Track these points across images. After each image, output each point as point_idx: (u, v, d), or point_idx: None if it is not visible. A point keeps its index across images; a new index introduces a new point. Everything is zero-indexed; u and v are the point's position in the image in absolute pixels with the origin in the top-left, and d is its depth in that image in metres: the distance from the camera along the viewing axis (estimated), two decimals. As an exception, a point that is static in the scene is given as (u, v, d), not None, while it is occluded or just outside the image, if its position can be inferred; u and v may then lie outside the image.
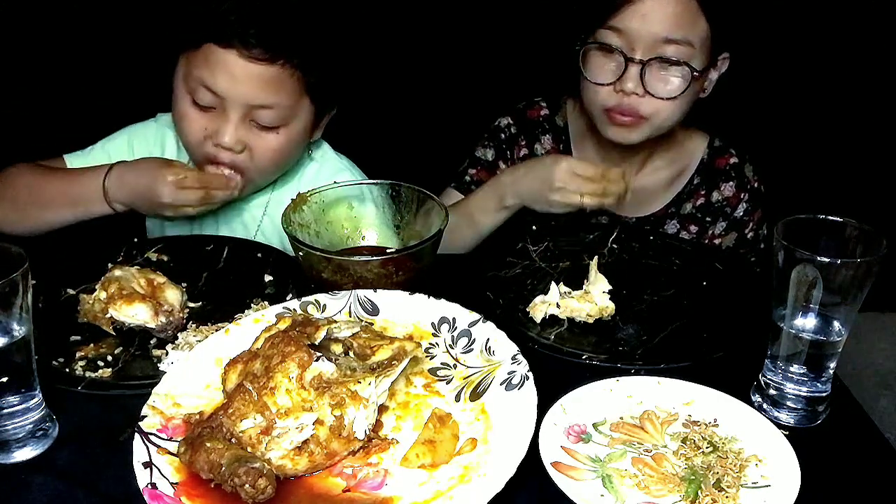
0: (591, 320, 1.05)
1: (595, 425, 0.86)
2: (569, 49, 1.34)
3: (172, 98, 1.24)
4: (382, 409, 0.85)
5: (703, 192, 1.46)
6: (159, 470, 0.76)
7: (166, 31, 1.24)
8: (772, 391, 0.90)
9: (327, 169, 1.38)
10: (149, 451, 0.78)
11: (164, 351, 0.97)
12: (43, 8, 1.90)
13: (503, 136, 1.49)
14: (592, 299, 1.05)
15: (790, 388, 0.89)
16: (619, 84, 1.27)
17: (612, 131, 1.33)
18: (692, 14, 1.24)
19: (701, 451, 0.83)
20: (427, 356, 0.93)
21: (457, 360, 0.93)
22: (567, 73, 1.38)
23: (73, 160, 1.37)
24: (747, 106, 1.86)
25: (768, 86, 2.03)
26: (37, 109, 1.93)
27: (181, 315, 1.02)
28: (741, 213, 1.45)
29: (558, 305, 1.05)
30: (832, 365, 0.88)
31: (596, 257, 1.10)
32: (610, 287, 1.06)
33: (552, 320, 1.06)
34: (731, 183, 1.45)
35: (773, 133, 2.07)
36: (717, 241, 1.45)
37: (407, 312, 0.98)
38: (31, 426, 0.83)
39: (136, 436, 0.79)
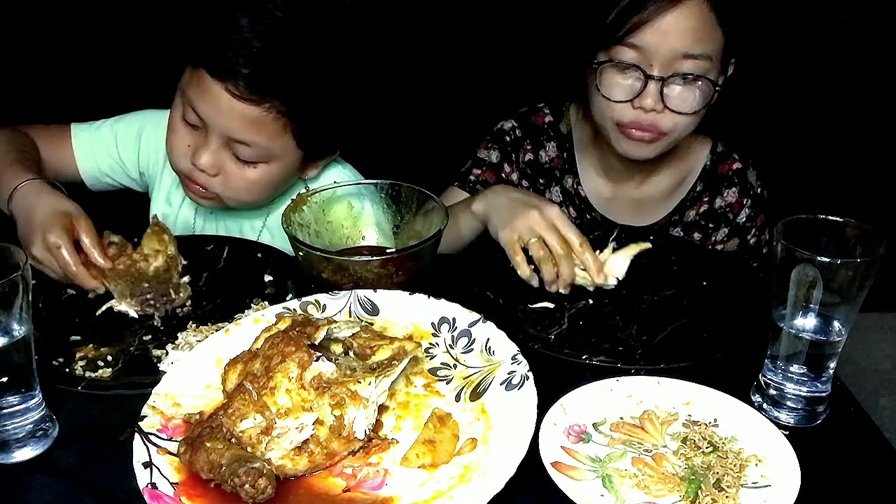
0: (586, 284, 1.10)
1: (595, 425, 0.86)
2: (578, 61, 1.31)
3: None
4: (382, 409, 0.85)
5: (706, 199, 1.43)
6: (159, 470, 0.76)
7: (179, 40, 1.23)
8: (772, 391, 0.90)
9: (327, 181, 1.36)
10: (149, 451, 0.78)
11: (164, 351, 0.97)
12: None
13: (508, 138, 1.47)
14: (605, 269, 1.10)
15: (790, 388, 0.89)
16: (637, 101, 1.23)
17: (627, 146, 1.29)
18: (710, 28, 1.21)
19: (701, 451, 0.83)
20: (427, 356, 0.93)
21: (457, 360, 0.93)
22: (573, 81, 1.36)
23: (80, 132, 1.38)
24: (747, 107, 1.85)
25: (768, 85, 2.02)
26: (54, 93, 1.94)
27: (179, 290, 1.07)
28: (743, 219, 1.43)
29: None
30: (832, 365, 0.88)
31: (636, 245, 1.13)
32: (623, 276, 1.10)
33: (552, 320, 1.06)
34: (733, 189, 1.42)
35: (773, 133, 2.07)
36: (719, 248, 1.43)
37: (407, 312, 0.98)
38: (31, 426, 0.83)
39: (136, 436, 0.79)
